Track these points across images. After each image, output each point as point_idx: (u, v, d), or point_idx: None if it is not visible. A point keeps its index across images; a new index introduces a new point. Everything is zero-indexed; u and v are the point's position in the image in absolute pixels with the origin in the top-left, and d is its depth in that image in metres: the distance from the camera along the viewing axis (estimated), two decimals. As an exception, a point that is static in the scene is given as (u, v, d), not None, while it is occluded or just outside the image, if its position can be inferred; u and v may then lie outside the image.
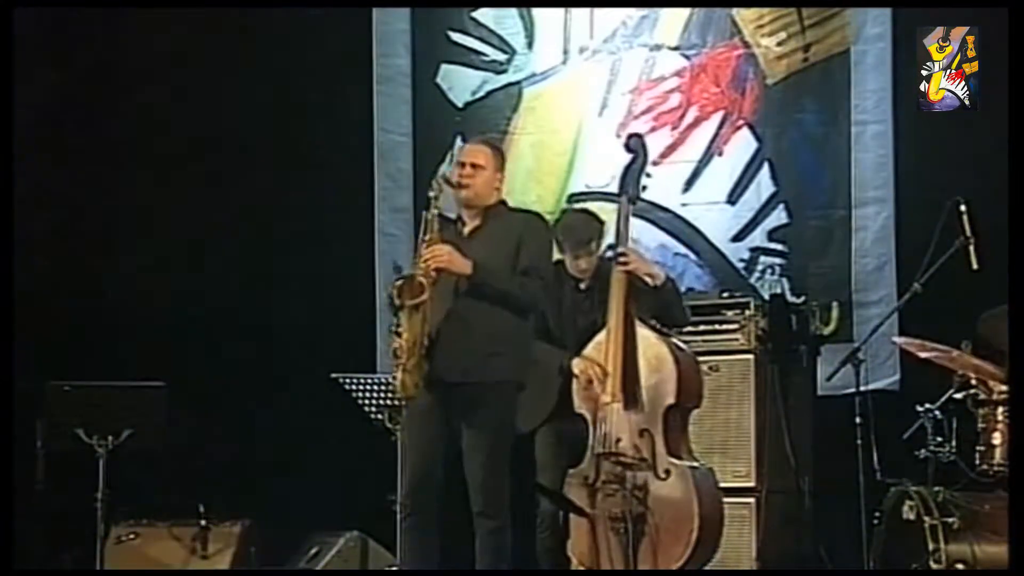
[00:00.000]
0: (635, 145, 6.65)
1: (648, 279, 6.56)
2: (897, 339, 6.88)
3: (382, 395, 7.29)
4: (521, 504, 6.46)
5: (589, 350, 6.51)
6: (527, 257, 6.16)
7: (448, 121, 8.76)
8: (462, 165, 6.23)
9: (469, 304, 6.09)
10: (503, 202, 6.35)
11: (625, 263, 6.46)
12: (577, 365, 6.47)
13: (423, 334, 5.99)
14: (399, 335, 6.02)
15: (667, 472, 6.30)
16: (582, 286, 6.74)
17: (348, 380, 7.38)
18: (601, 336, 6.47)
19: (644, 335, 6.47)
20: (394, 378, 6.06)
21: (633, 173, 6.60)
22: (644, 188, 6.66)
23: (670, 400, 6.39)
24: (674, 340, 6.61)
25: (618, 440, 6.34)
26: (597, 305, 6.65)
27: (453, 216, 6.30)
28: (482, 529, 6.12)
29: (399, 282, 6.04)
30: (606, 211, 6.98)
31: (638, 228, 8.26)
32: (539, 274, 6.19)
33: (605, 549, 6.30)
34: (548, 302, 6.57)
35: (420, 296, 5.96)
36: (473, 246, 6.14)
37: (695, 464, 6.44)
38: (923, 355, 6.42)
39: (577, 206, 7.35)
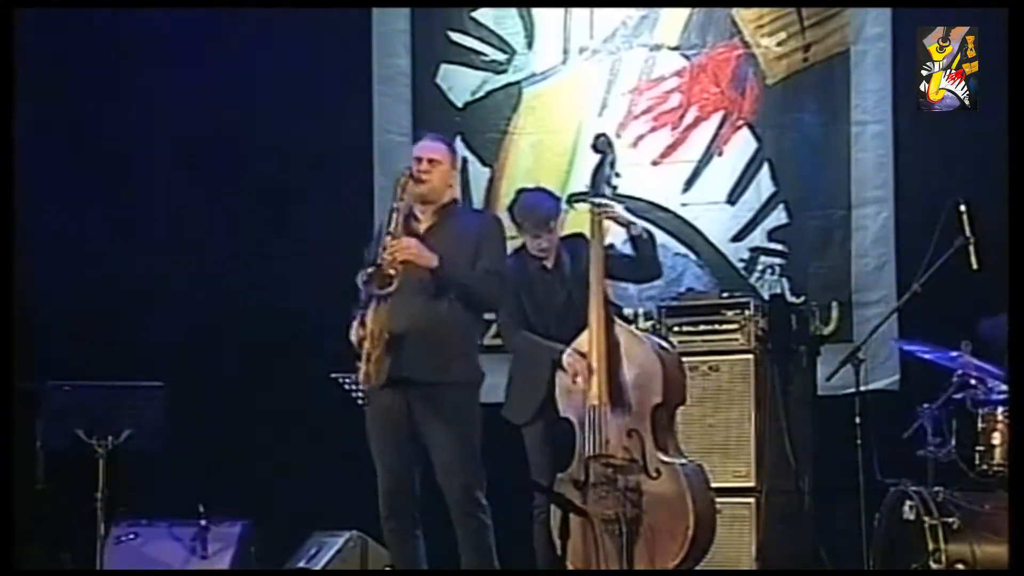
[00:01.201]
0: (602, 145, 6.71)
1: (627, 228, 6.66)
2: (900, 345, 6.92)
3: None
4: (516, 502, 6.48)
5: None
6: (485, 259, 6.20)
7: (448, 121, 8.75)
8: (419, 160, 6.26)
9: (432, 304, 6.11)
10: (456, 200, 6.42)
11: (606, 212, 6.53)
12: (567, 358, 6.48)
13: (387, 326, 6.01)
14: (364, 325, 6.03)
15: (658, 471, 6.30)
16: (547, 264, 6.78)
17: (348, 380, 7.38)
18: (583, 337, 6.48)
19: (627, 335, 6.49)
20: (357, 368, 6.08)
21: (602, 173, 6.64)
22: (615, 187, 6.69)
23: (657, 399, 6.40)
24: (656, 339, 6.64)
25: (607, 442, 6.35)
26: (563, 284, 6.70)
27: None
28: (462, 529, 6.15)
29: (368, 270, 6.05)
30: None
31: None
32: (493, 272, 6.22)
33: (600, 551, 6.30)
34: (518, 287, 6.61)
35: (388, 287, 5.99)
36: (430, 244, 6.15)
37: (684, 461, 6.44)
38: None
39: (532, 185, 7.37)
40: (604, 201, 6.56)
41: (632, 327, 6.79)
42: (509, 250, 6.62)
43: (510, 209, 6.87)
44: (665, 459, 6.34)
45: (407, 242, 6.06)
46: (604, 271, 6.51)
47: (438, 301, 6.11)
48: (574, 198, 8.40)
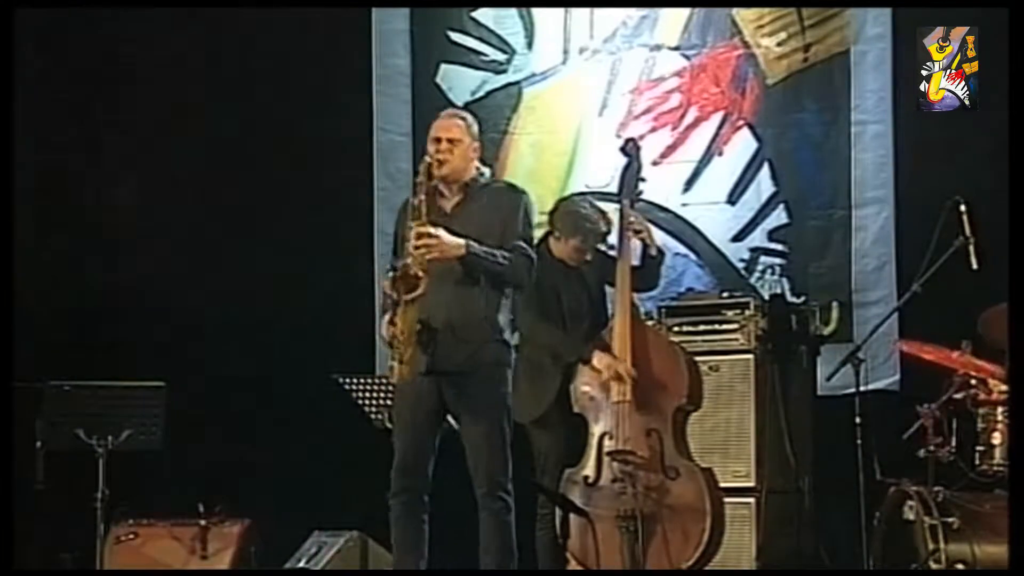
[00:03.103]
0: (631, 149, 6.75)
1: (651, 248, 6.76)
2: (899, 344, 6.91)
3: (382, 395, 7.29)
4: (521, 499, 6.47)
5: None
6: (512, 234, 6.16)
7: (448, 121, 8.73)
8: (438, 140, 6.19)
9: (461, 289, 6.08)
10: (482, 173, 6.34)
11: (639, 230, 6.62)
12: (601, 360, 6.47)
13: (417, 323, 5.99)
14: (394, 324, 6.01)
15: (677, 472, 6.33)
16: (571, 264, 6.77)
17: (348, 380, 7.39)
18: (607, 335, 6.48)
19: (654, 335, 6.52)
20: (391, 368, 6.06)
21: (630, 177, 6.67)
22: (641, 192, 6.73)
23: (680, 401, 6.43)
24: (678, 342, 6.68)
25: (627, 439, 6.35)
26: (586, 283, 6.73)
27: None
28: (486, 510, 6.13)
29: (392, 274, 6.03)
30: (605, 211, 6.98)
31: (638, 228, 8.29)
32: (523, 251, 6.18)
33: (606, 549, 6.31)
34: (539, 281, 6.58)
35: (416, 290, 5.95)
36: (458, 223, 6.12)
37: (700, 464, 6.46)
38: (925, 356, 6.45)
39: (577, 197, 7.37)
40: (637, 219, 6.66)
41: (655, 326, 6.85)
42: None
43: (553, 215, 6.85)
44: (683, 460, 6.37)
45: (431, 237, 5.98)
46: (632, 276, 6.57)
47: (467, 287, 6.08)
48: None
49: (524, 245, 6.17)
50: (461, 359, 6.07)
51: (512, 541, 6.16)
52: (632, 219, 6.69)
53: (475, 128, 6.33)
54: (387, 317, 6.07)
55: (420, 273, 5.95)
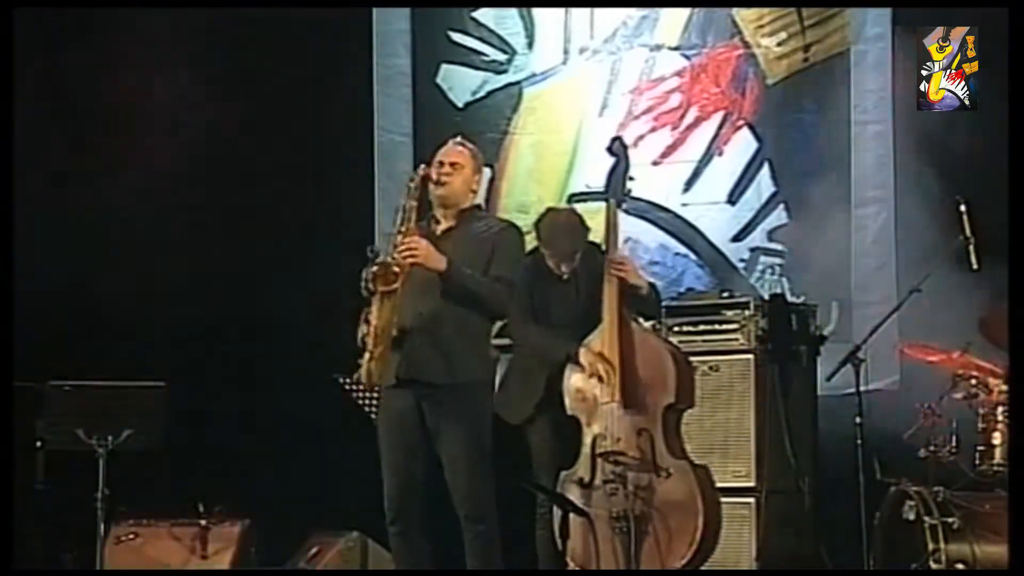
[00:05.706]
0: (617, 149, 6.69)
1: (634, 287, 6.56)
2: (900, 345, 6.92)
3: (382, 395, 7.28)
4: (517, 502, 6.47)
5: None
6: (499, 267, 6.15)
7: (448, 121, 8.75)
8: (440, 164, 6.22)
9: (442, 302, 6.07)
10: (478, 206, 6.38)
11: (620, 271, 6.46)
12: (585, 357, 6.46)
13: (392, 324, 5.99)
14: (368, 323, 6.01)
15: (668, 471, 6.31)
16: (564, 276, 6.76)
17: (348, 380, 7.38)
18: (596, 335, 6.47)
19: (641, 334, 6.49)
20: (359, 366, 6.05)
21: (617, 176, 6.63)
22: (629, 191, 6.70)
23: (669, 399, 6.40)
24: (671, 341, 6.63)
25: (618, 440, 6.35)
26: (579, 294, 6.68)
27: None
28: (470, 533, 6.12)
29: (373, 269, 6.03)
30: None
31: (638, 228, 8.32)
32: (508, 282, 6.18)
33: (604, 549, 6.31)
34: (531, 288, 6.55)
35: (392, 284, 5.97)
36: (445, 246, 6.12)
37: (693, 463, 6.45)
38: (925, 357, 6.46)
39: (564, 207, 7.35)
40: (620, 261, 6.51)
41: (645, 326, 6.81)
42: (526, 248, 6.58)
43: (537, 225, 6.84)
44: (675, 459, 6.36)
45: (416, 243, 6.01)
46: (635, 297, 6.51)
47: (447, 300, 6.08)
48: (574, 198, 8.45)
49: (506, 276, 6.16)
50: (438, 372, 6.05)
51: (497, 562, 6.15)
52: (617, 261, 6.52)
53: (480, 159, 6.37)
54: (363, 317, 6.06)
55: (398, 270, 5.96)
